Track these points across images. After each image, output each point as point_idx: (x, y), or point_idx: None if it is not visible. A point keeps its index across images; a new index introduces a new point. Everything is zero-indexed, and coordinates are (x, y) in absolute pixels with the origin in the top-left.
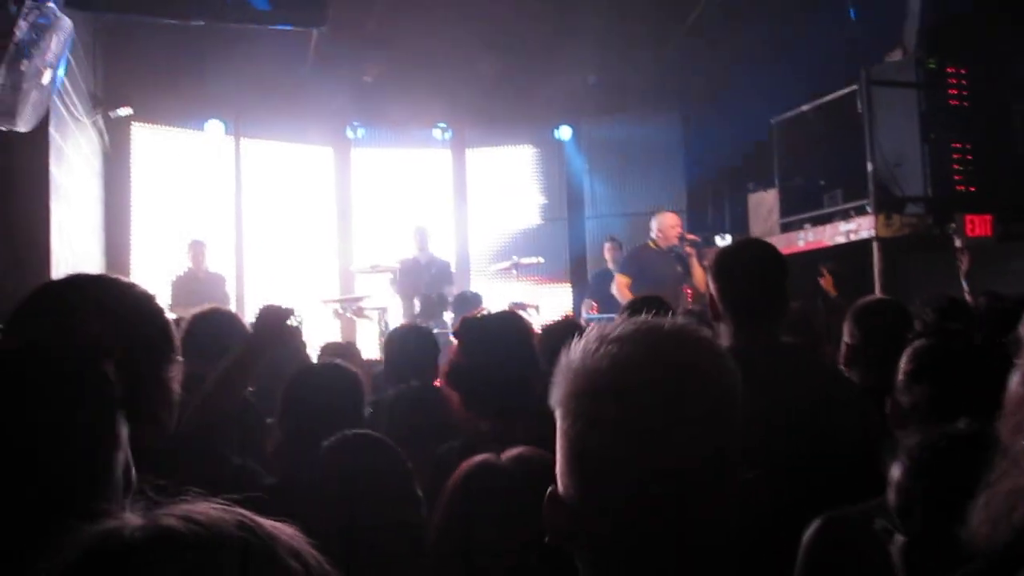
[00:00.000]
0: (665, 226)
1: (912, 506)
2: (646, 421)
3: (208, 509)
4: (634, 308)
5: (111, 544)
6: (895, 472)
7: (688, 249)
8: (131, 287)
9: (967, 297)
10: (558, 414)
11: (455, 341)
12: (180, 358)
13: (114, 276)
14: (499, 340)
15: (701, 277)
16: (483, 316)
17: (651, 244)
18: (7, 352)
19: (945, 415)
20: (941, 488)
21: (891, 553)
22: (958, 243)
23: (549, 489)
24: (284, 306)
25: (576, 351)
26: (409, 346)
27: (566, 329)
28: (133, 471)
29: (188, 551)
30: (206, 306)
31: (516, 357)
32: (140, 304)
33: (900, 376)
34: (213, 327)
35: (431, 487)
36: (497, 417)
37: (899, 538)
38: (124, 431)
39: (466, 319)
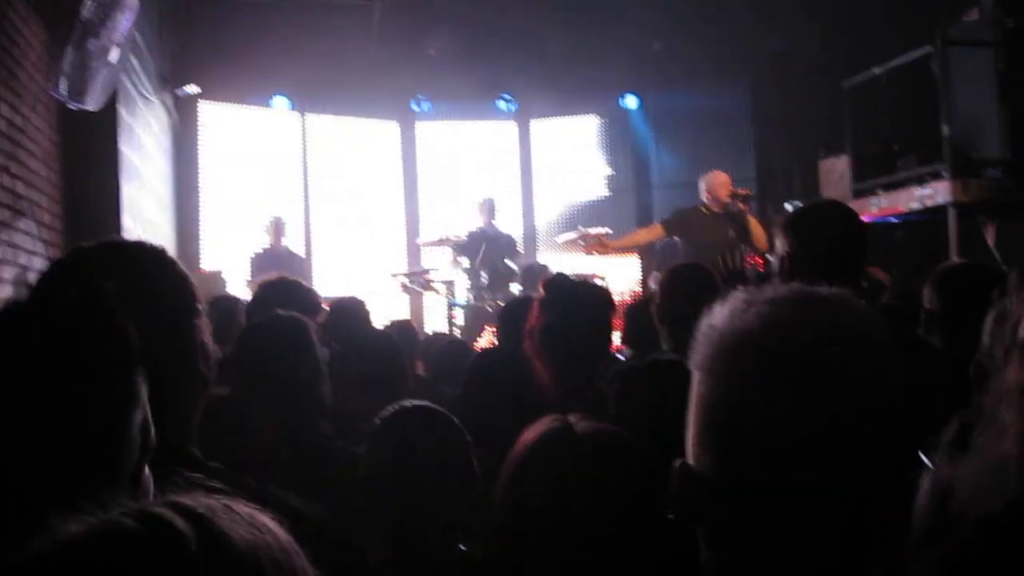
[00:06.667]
0: (713, 185)
1: None
2: (799, 384)
3: (185, 501)
4: (676, 275)
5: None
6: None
7: (742, 205)
8: (143, 244)
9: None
10: (697, 378)
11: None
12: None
13: (124, 239)
14: (588, 304)
15: (760, 235)
16: (572, 278)
17: (702, 208)
18: (21, 309)
19: None
20: None
21: None
22: None
23: (677, 462)
24: None
25: (721, 313)
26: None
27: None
28: (152, 430)
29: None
30: (273, 274)
31: (601, 325)
32: (156, 259)
33: (987, 339)
34: (279, 295)
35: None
36: (576, 382)
37: None
38: (143, 389)
39: (558, 276)
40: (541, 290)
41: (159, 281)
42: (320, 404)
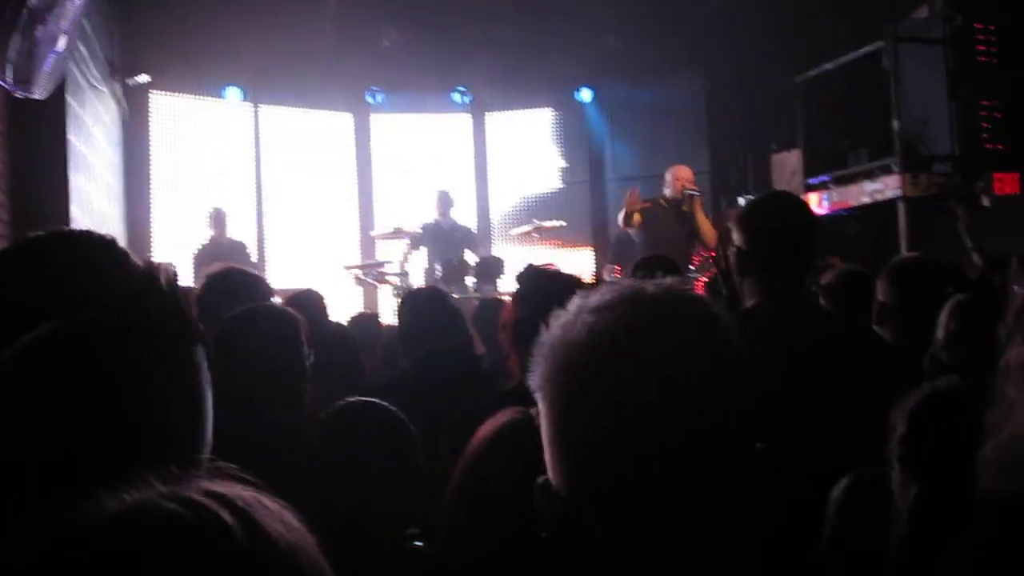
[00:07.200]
0: (671, 178)
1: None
2: (632, 395)
3: (221, 488)
4: (640, 268)
5: (81, 528)
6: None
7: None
8: (91, 234)
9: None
10: (538, 397)
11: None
12: None
13: (72, 228)
14: (562, 295)
15: (708, 230)
16: (546, 269)
17: (662, 200)
18: (120, 317)
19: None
20: (942, 440)
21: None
22: (986, 202)
23: (541, 478)
24: None
25: (554, 326)
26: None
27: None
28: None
29: (161, 537)
30: (218, 266)
31: None
32: (105, 250)
33: (942, 332)
34: (228, 287)
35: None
36: None
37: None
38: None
39: (529, 269)
40: (515, 284)
41: (108, 272)
42: (300, 400)
